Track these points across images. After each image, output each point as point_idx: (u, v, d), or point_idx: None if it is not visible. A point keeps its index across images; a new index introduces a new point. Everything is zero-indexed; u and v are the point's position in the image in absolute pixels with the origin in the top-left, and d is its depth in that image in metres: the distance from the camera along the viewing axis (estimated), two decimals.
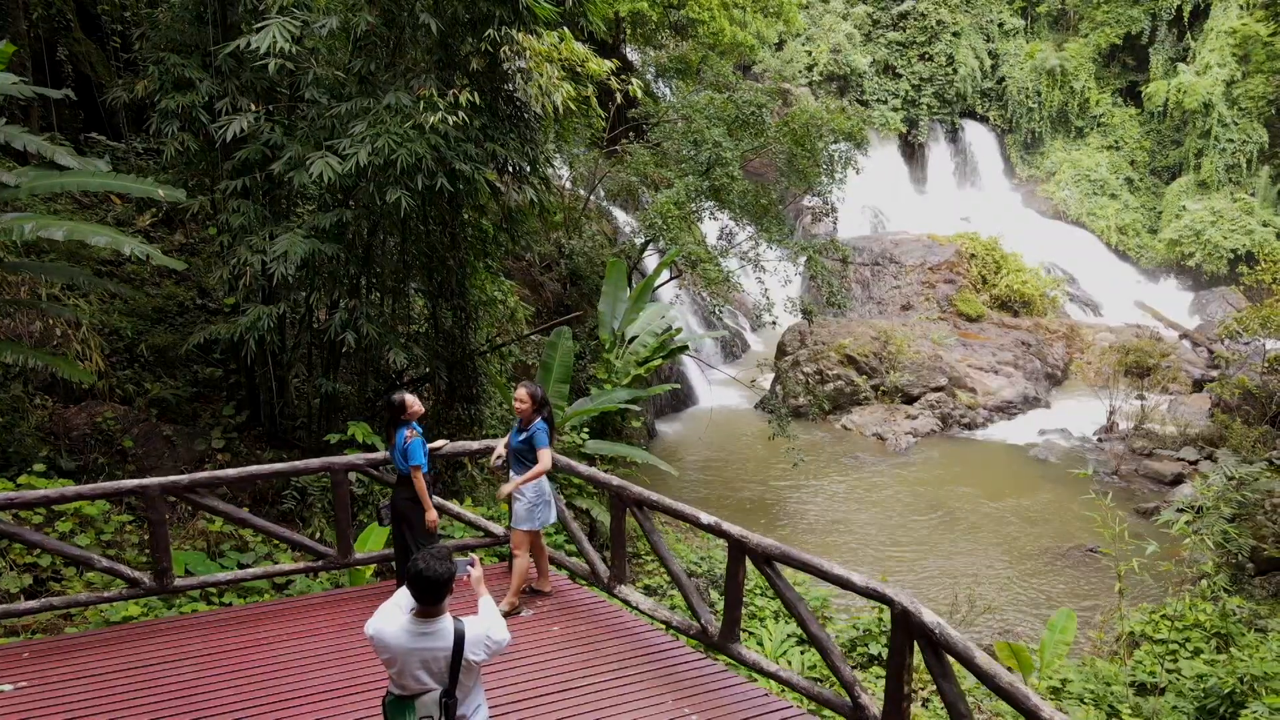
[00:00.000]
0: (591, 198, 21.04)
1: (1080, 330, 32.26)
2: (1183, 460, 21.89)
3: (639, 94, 10.37)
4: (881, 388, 25.83)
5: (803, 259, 18.50)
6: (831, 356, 26.23)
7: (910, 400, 25.75)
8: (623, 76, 10.30)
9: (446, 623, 4.23)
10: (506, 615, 7.33)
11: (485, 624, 4.28)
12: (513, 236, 11.44)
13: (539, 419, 7.53)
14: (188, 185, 11.42)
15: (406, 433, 7.34)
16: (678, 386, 14.95)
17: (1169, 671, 10.53)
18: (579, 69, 9.76)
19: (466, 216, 11.57)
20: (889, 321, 30.22)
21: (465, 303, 11.62)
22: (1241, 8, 36.61)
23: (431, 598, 4.14)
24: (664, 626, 7.04)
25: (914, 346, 27.04)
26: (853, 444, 24.19)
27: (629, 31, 26.56)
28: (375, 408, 12.21)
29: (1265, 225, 35.77)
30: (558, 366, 11.86)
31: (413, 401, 7.51)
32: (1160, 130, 40.22)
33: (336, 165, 8.84)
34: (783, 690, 6.85)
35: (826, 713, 6.44)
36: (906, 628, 4.90)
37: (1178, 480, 21.09)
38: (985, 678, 4.37)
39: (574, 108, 9.62)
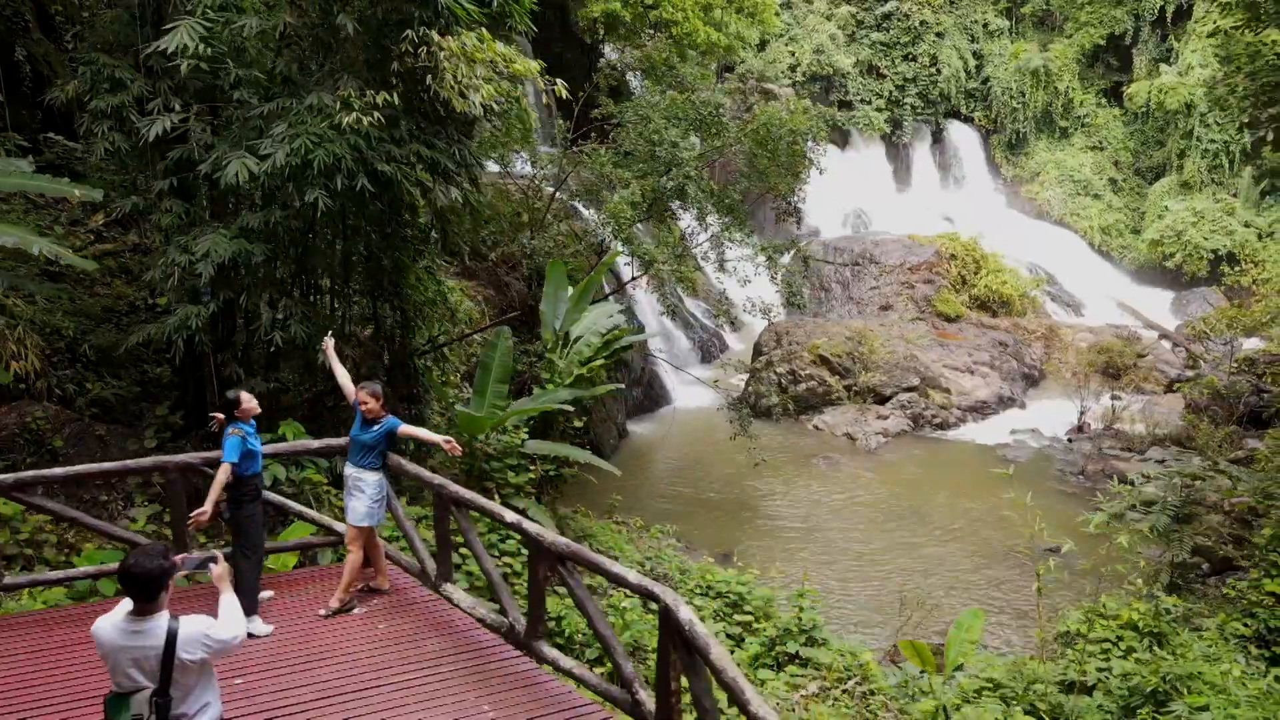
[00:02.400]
0: (560, 197, 21.04)
1: (1059, 330, 32.27)
2: (1150, 460, 21.87)
3: (564, 93, 10.38)
4: (854, 388, 25.85)
5: (762, 259, 18.52)
6: (805, 357, 26.26)
7: (882, 400, 25.77)
8: (549, 77, 10.32)
9: (160, 621, 4.21)
10: (338, 612, 7.43)
11: (204, 623, 4.28)
12: (444, 236, 11.47)
13: (387, 414, 7.67)
14: (135, 185, 11.49)
15: (230, 430, 7.42)
16: (620, 386, 14.95)
17: (1100, 670, 10.55)
18: (502, 69, 9.77)
19: (406, 217, 11.61)
20: (866, 322, 30.24)
21: (402, 303, 11.66)
22: (1223, 8, 36.58)
23: (143, 595, 4.15)
24: (481, 624, 7.10)
25: (888, 347, 27.06)
26: (823, 444, 24.21)
27: (601, 31, 26.59)
28: (318, 408, 12.27)
29: (1247, 226, 35.77)
30: (497, 366, 11.89)
31: (248, 400, 7.60)
32: (1144, 131, 40.24)
33: (253, 165, 8.89)
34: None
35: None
36: (668, 625, 4.97)
37: (1146, 479, 21.07)
38: (715, 671, 4.45)
39: (495, 108, 9.63)
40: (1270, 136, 15.00)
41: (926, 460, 23.21)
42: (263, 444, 9.10)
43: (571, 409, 12.12)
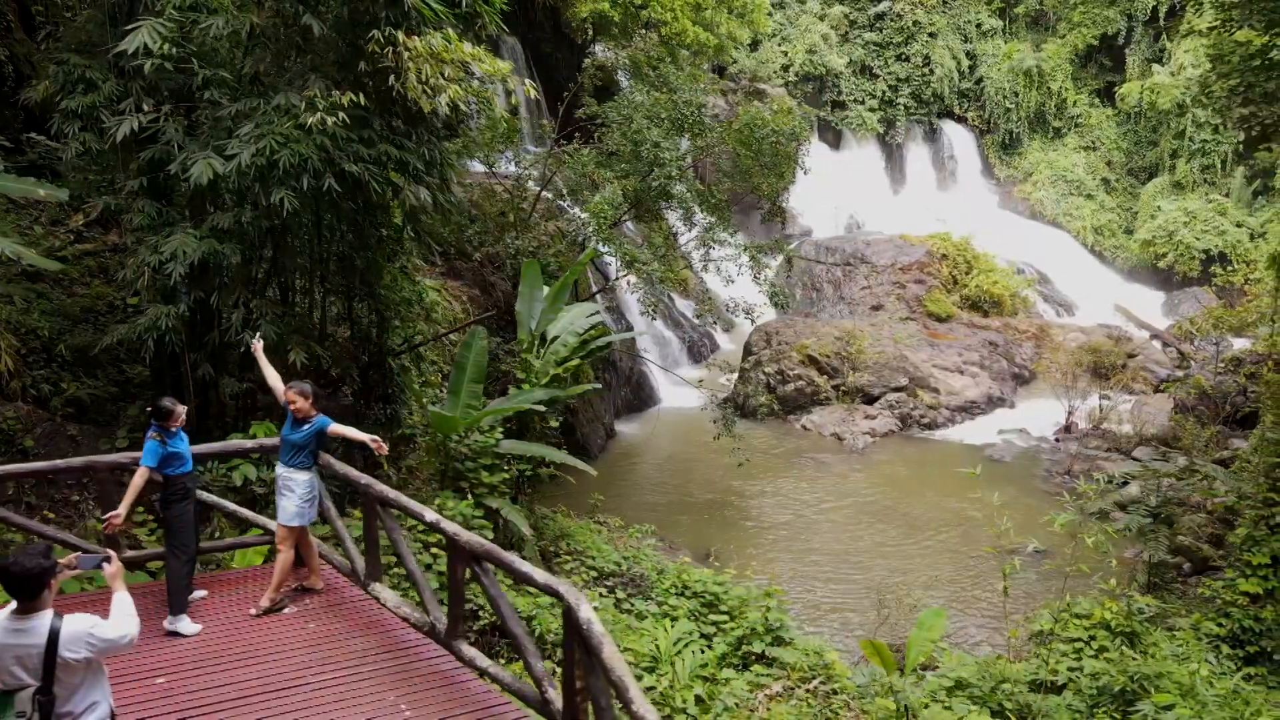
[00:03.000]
0: (547, 196, 21.04)
1: (1050, 330, 32.27)
2: (1136, 460, 21.85)
3: (533, 92, 10.39)
4: (842, 388, 25.87)
5: (745, 259, 18.51)
6: (793, 356, 26.27)
7: (871, 400, 25.77)
8: (519, 78, 10.33)
9: (43, 620, 4.24)
10: (269, 611, 7.46)
11: (89, 622, 4.30)
12: (418, 237, 11.49)
13: (318, 413, 7.71)
14: (113, 185, 11.50)
15: (149, 434, 7.47)
16: (598, 386, 14.95)
17: (1071, 670, 10.56)
18: (473, 69, 9.79)
19: (380, 217, 11.62)
20: (857, 322, 30.25)
21: (377, 303, 11.67)
22: (1214, 8, 36.58)
23: (24, 594, 4.18)
24: (406, 623, 7.13)
25: (877, 347, 27.06)
26: (811, 444, 24.22)
27: (591, 31, 26.63)
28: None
29: (1239, 226, 35.75)
30: (471, 366, 11.88)
31: (180, 411, 7.63)
32: (1137, 131, 40.24)
33: (219, 166, 8.90)
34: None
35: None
36: (570, 623, 5.01)
37: (1132, 478, 21.07)
38: (605, 669, 4.47)
39: (463, 107, 9.65)
40: (1243, 136, 14.98)
41: (913, 460, 23.22)
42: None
43: (544, 409, 12.12)
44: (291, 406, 7.74)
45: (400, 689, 6.19)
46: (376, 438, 7.48)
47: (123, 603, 4.45)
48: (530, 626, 10.22)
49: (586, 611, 4.87)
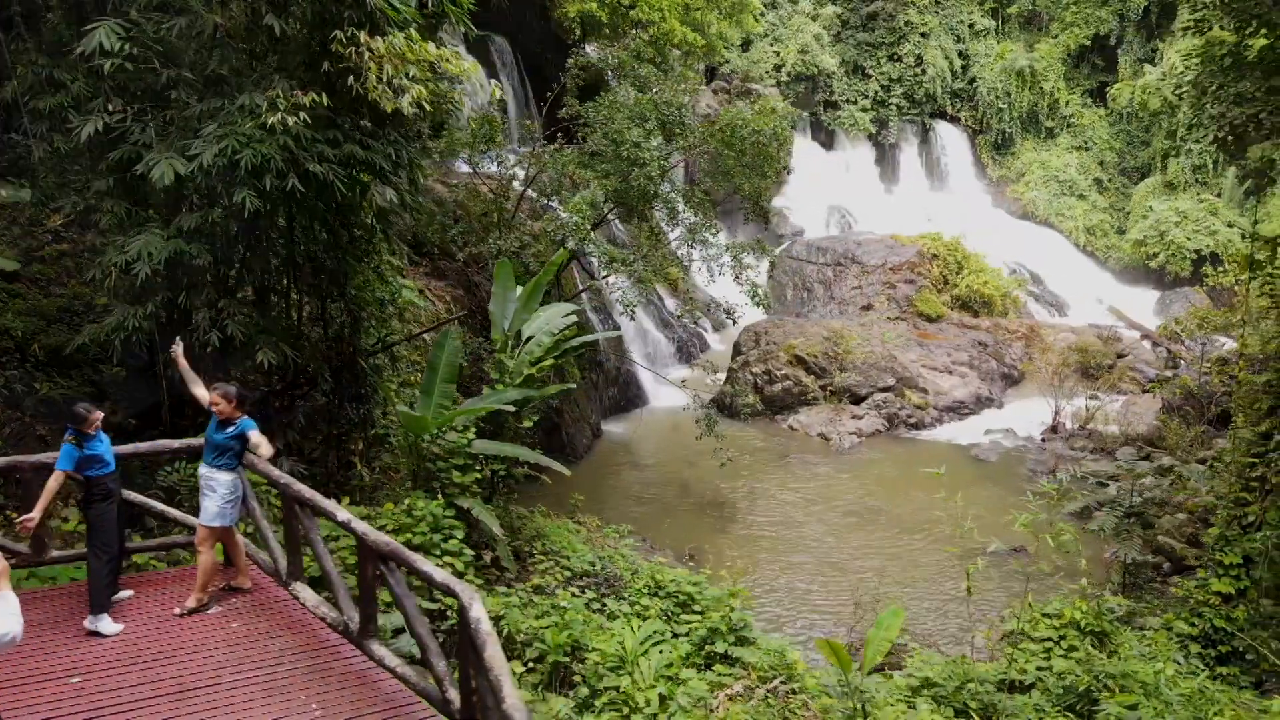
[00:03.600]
0: (532, 195, 21.05)
1: (1041, 330, 32.24)
2: (1120, 461, 21.87)
3: (498, 93, 10.42)
4: (830, 388, 25.87)
5: (727, 258, 18.52)
6: (781, 356, 26.28)
7: (858, 400, 25.78)
8: (493, 79, 10.34)
9: None
10: (193, 611, 7.49)
11: None
12: (387, 237, 11.49)
13: (243, 415, 7.75)
14: (88, 185, 11.50)
15: (65, 438, 7.52)
16: (572, 386, 14.94)
17: (1040, 669, 10.56)
18: (437, 69, 9.81)
19: (352, 217, 11.63)
20: (846, 322, 30.24)
21: (349, 303, 11.68)
22: (1205, 7, 36.52)
23: None
24: (324, 622, 7.16)
25: (866, 347, 27.06)
26: (798, 444, 24.23)
27: (579, 31, 26.65)
28: (265, 408, 12.27)
29: (1230, 226, 35.72)
30: (444, 366, 11.88)
31: (96, 416, 7.69)
32: (1129, 131, 40.25)
33: (180, 166, 8.91)
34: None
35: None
36: (464, 622, 5.03)
37: (1111, 479, 21.07)
38: (487, 669, 4.51)
39: (429, 107, 9.66)
40: (1211, 137, 14.99)
41: (899, 460, 23.20)
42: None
43: (512, 409, 12.12)
44: (214, 408, 7.82)
45: (313, 688, 6.23)
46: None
47: (6, 602, 4.47)
48: (499, 627, 10.22)
49: (477, 611, 4.90)
